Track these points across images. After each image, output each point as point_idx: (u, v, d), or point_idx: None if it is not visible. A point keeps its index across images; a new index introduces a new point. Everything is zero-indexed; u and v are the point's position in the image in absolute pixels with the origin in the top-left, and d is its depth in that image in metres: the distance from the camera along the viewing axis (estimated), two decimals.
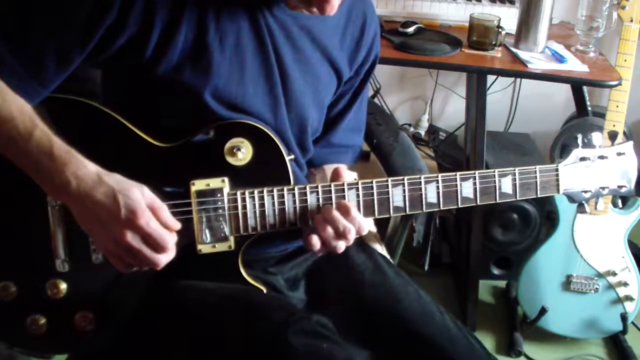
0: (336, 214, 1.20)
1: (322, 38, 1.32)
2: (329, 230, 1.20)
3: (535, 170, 1.29)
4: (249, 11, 1.23)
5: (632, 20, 2.13)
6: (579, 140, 1.32)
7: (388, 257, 1.56)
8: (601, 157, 1.33)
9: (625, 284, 2.29)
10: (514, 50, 2.23)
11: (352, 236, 1.22)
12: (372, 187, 1.24)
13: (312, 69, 1.33)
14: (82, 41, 1.16)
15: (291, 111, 1.32)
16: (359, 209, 1.24)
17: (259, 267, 1.35)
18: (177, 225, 1.16)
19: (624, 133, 2.37)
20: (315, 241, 1.21)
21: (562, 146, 2.56)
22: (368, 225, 1.26)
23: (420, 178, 1.25)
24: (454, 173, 1.26)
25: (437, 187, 1.25)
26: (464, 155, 2.64)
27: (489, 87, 2.59)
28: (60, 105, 1.21)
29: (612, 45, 2.51)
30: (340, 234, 1.21)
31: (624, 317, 2.31)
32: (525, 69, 2.14)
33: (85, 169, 1.10)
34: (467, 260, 2.50)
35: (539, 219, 2.58)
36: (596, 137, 1.32)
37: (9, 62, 1.14)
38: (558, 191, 1.32)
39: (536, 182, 1.30)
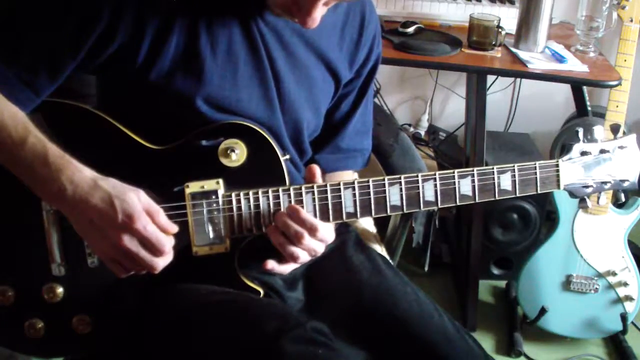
0: (285, 219, 1.19)
1: (316, 40, 1.32)
2: (280, 238, 1.20)
3: (535, 166, 1.27)
4: (241, 17, 1.23)
5: (632, 20, 2.13)
6: (580, 134, 1.30)
7: (387, 257, 1.55)
8: (603, 151, 1.30)
9: (625, 284, 2.29)
10: (514, 50, 2.23)
11: (306, 241, 1.19)
12: (368, 187, 1.23)
13: (306, 72, 1.33)
14: (73, 49, 1.17)
15: (286, 114, 1.32)
16: (355, 209, 1.23)
17: (256, 267, 1.34)
18: (174, 229, 1.16)
19: (624, 133, 2.36)
20: (271, 265, 1.22)
21: (562, 146, 2.55)
22: (328, 232, 1.23)
23: (417, 176, 1.23)
24: (451, 170, 1.24)
25: (435, 185, 1.24)
26: (464, 155, 2.64)
27: (489, 87, 2.59)
28: (54, 109, 1.21)
29: (612, 45, 2.51)
30: (292, 240, 1.19)
31: (624, 317, 2.31)
32: (525, 69, 2.14)
33: (80, 174, 1.10)
34: (467, 260, 2.50)
35: (539, 219, 2.58)
36: (598, 130, 1.30)
37: (1, 70, 1.14)
38: (558, 187, 1.30)
39: (536, 178, 1.28)
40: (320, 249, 1.23)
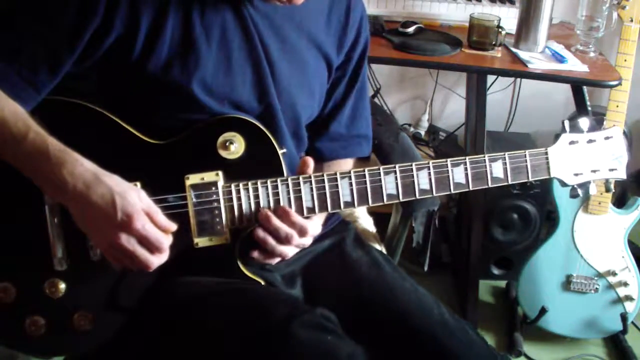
0: (276, 221, 1.22)
1: (306, 24, 1.33)
2: (270, 240, 1.23)
3: (525, 154, 1.32)
4: (232, 4, 1.25)
5: (632, 20, 2.13)
6: (566, 126, 1.35)
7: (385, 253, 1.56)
8: (590, 141, 1.35)
9: (625, 284, 2.30)
10: (514, 50, 2.23)
11: (295, 242, 1.24)
12: (364, 176, 1.25)
13: (298, 57, 1.34)
14: (70, 45, 1.18)
15: (281, 100, 1.33)
16: (352, 198, 1.25)
17: (255, 263, 1.35)
18: (173, 227, 1.17)
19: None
20: (257, 255, 1.26)
21: None
22: (316, 228, 1.28)
23: (411, 165, 1.26)
24: (444, 159, 1.28)
25: (429, 174, 1.26)
26: (464, 155, 2.64)
27: (489, 87, 2.59)
28: (54, 106, 1.22)
29: (612, 45, 2.51)
30: (282, 241, 1.23)
31: (624, 317, 2.31)
32: (525, 69, 2.14)
33: (81, 168, 1.11)
34: (467, 260, 2.51)
35: (539, 219, 2.58)
36: (583, 122, 1.35)
37: (2, 67, 1.15)
38: (549, 174, 1.34)
39: (527, 165, 1.32)
40: (308, 242, 1.28)
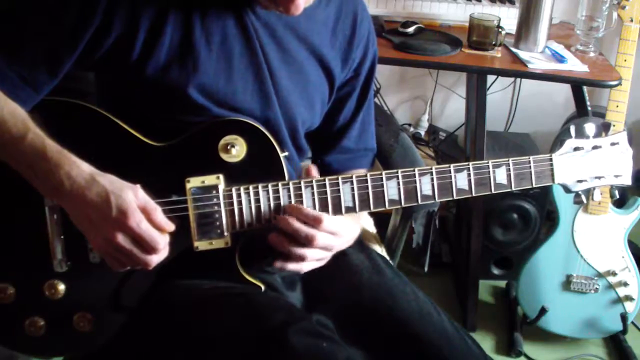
0: (295, 224, 1.20)
1: (309, 36, 1.33)
2: (285, 243, 1.21)
3: (529, 161, 1.29)
4: (234, 11, 1.24)
5: (632, 20, 2.13)
6: (572, 131, 1.33)
7: (387, 258, 1.56)
8: (595, 147, 1.33)
9: (625, 284, 2.29)
10: (514, 50, 2.23)
11: (317, 241, 1.21)
12: (366, 181, 1.24)
13: (299, 68, 1.33)
14: (70, 44, 1.18)
15: (281, 109, 1.33)
16: (354, 203, 1.24)
17: (256, 266, 1.34)
18: (171, 227, 1.17)
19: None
20: (280, 264, 1.23)
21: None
22: (336, 224, 1.24)
23: (414, 170, 1.25)
24: (447, 165, 1.26)
25: (432, 179, 1.26)
26: (464, 155, 2.64)
27: (489, 87, 2.59)
28: (55, 107, 1.22)
29: (612, 45, 2.51)
30: (304, 242, 1.21)
31: (624, 317, 2.31)
32: (525, 69, 2.14)
33: (78, 169, 1.11)
34: (467, 260, 2.50)
35: (539, 219, 2.58)
36: (589, 127, 1.32)
37: (1, 67, 1.16)
38: (553, 181, 1.32)
39: (530, 172, 1.30)
40: (333, 241, 1.24)
